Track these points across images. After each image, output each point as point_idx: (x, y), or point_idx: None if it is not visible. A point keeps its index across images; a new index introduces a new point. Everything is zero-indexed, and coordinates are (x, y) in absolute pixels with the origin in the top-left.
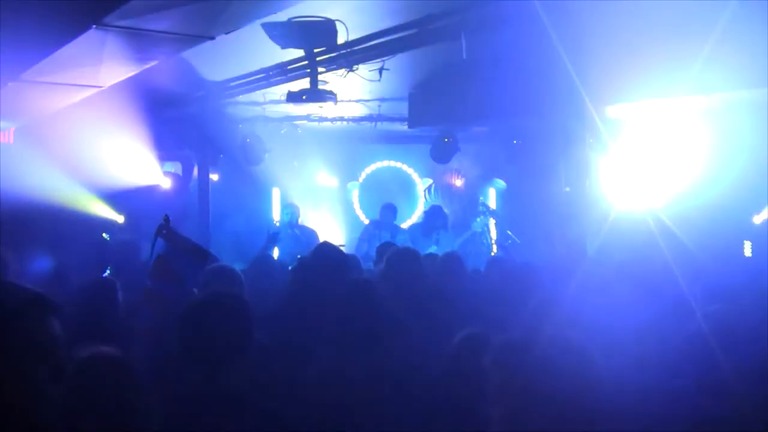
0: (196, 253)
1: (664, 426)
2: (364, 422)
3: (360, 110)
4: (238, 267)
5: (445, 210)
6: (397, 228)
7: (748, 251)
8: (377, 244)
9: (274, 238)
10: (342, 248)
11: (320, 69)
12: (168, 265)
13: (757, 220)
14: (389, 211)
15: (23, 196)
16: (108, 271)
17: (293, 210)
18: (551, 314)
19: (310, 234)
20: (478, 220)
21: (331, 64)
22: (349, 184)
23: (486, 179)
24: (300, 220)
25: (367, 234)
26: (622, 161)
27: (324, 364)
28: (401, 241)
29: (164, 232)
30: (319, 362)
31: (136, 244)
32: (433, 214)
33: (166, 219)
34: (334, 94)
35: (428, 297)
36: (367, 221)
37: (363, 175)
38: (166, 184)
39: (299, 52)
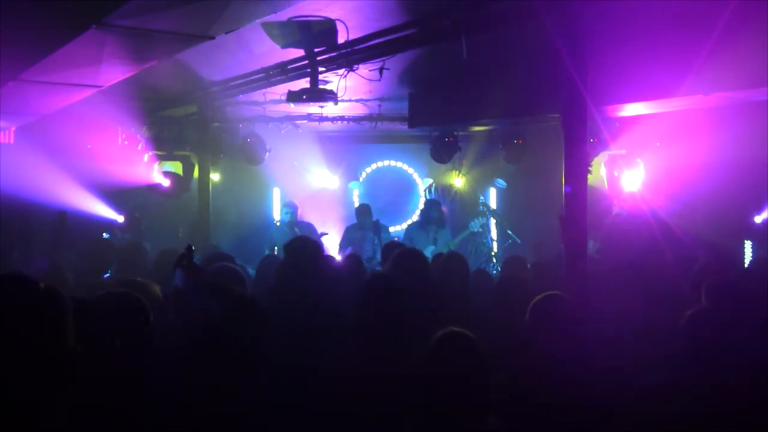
0: (216, 289)
1: (664, 426)
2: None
3: (360, 110)
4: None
5: (443, 207)
6: (378, 226)
7: (748, 251)
8: (365, 246)
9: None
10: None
11: (320, 69)
12: (185, 298)
13: (758, 219)
14: (364, 213)
15: (23, 196)
16: (110, 273)
17: (293, 209)
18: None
19: (310, 229)
20: (476, 220)
21: (331, 64)
22: (350, 184)
23: (486, 179)
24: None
25: (347, 240)
26: (623, 161)
27: (343, 356)
28: (386, 238)
29: (185, 263)
30: (336, 354)
31: (140, 245)
32: (428, 207)
33: (189, 249)
34: (334, 94)
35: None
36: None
37: (363, 175)
38: (166, 184)
39: (299, 52)
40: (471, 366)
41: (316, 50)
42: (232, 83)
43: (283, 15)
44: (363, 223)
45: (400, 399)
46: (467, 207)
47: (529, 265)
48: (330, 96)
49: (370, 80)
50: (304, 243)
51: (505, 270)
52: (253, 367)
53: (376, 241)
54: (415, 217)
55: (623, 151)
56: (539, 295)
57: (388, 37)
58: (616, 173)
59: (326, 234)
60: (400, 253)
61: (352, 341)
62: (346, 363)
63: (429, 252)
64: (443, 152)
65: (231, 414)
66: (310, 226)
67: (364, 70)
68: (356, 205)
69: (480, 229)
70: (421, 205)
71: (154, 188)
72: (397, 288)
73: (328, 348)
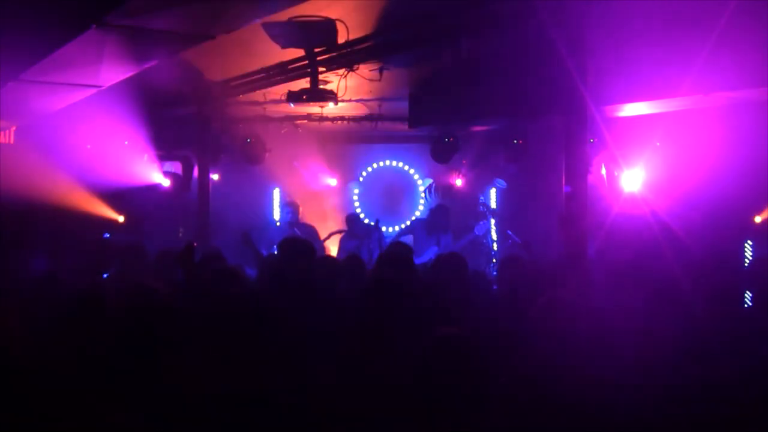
0: (210, 288)
1: (664, 426)
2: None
3: (360, 110)
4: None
5: (420, 206)
6: (372, 229)
7: (748, 251)
8: (362, 252)
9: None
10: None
11: (320, 69)
12: (183, 294)
13: (758, 219)
14: (354, 221)
15: (23, 196)
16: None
17: (293, 208)
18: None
19: (311, 231)
20: (481, 224)
21: (332, 64)
22: (350, 184)
23: (486, 179)
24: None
25: (342, 251)
26: (623, 161)
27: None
28: (377, 238)
29: (184, 260)
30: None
31: (142, 246)
32: (437, 213)
33: (190, 247)
34: (335, 94)
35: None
36: (367, 221)
37: (363, 175)
38: (166, 184)
39: (299, 52)
40: (467, 366)
41: (316, 50)
42: (232, 83)
43: (283, 15)
44: (355, 232)
45: (400, 397)
46: (467, 207)
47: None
48: (330, 96)
49: (370, 80)
50: (294, 243)
51: (502, 270)
52: (250, 365)
53: (372, 245)
54: (418, 214)
55: (623, 152)
56: (541, 295)
57: (388, 37)
58: (616, 173)
59: (342, 232)
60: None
61: (353, 340)
62: (345, 362)
63: (431, 253)
64: (443, 152)
65: (231, 411)
66: (311, 229)
67: (364, 70)
68: (356, 204)
69: (482, 232)
70: (421, 206)
71: (154, 188)
72: (398, 288)
73: (327, 346)
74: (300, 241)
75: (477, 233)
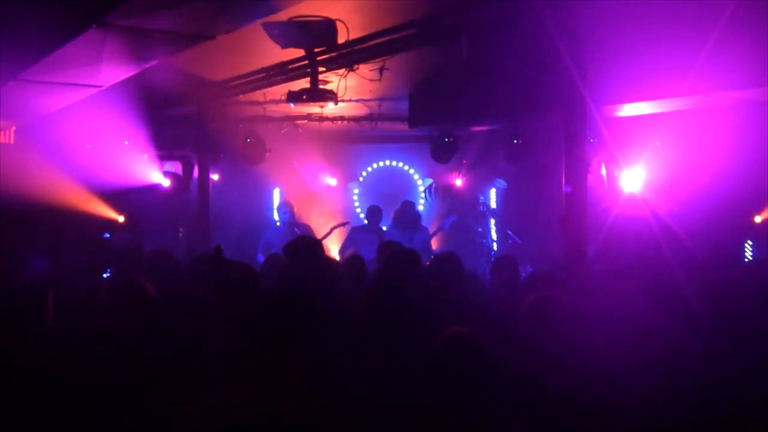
0: (248, 279)
1: (664, 426)
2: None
3: (360, 110)
4: None
5: (420, 206)
6: (382, 231)
7: (748, 251)
8: (365, 248)
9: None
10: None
11: (320, 69)
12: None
13: (758, 219)
14: (374, 214)
15: (23, 196)
16: (108, 273)
17: (289, 208)
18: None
19: (309, 231)
20: (447, 218)
21: (332, 64)
22: (350, 184)
23: (486, 179)
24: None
25: (351, 240)
26: (623, 161)
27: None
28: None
29: (215, 263)
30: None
31: (140, 246)
32: (403, 210)
33: (218, 250)
34: (335, 94)
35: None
36: (366, 222)
37: (363, 175)
38: (166, 184)
39: (299, 52)
40: (480, 366)
41: (316, 50)
42: (232, 83)
43: (283, 15)
44: (371, 226)
45: (409, 396)
46: (467, 207)
47: (529, 267)
48: (330, 96)
49: (370, 80)
50: (307, 242)
51: (496, 272)
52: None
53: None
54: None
55: (623, 152)
56: (531, 295)
57: (388, 37)
58: (616, 173)
59: (343, 225)
60: (392, 253)
61: (357, 339)
62: (352, 360)
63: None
64: (443, 152)
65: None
66: (309, 228)
67: (364, 70)
68: (356, 204)
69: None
70: (421, 206)
71: (154, 188)
72: (398, 287)
73: (333, 345)
74: (312, 240)
75: (444, 227)
